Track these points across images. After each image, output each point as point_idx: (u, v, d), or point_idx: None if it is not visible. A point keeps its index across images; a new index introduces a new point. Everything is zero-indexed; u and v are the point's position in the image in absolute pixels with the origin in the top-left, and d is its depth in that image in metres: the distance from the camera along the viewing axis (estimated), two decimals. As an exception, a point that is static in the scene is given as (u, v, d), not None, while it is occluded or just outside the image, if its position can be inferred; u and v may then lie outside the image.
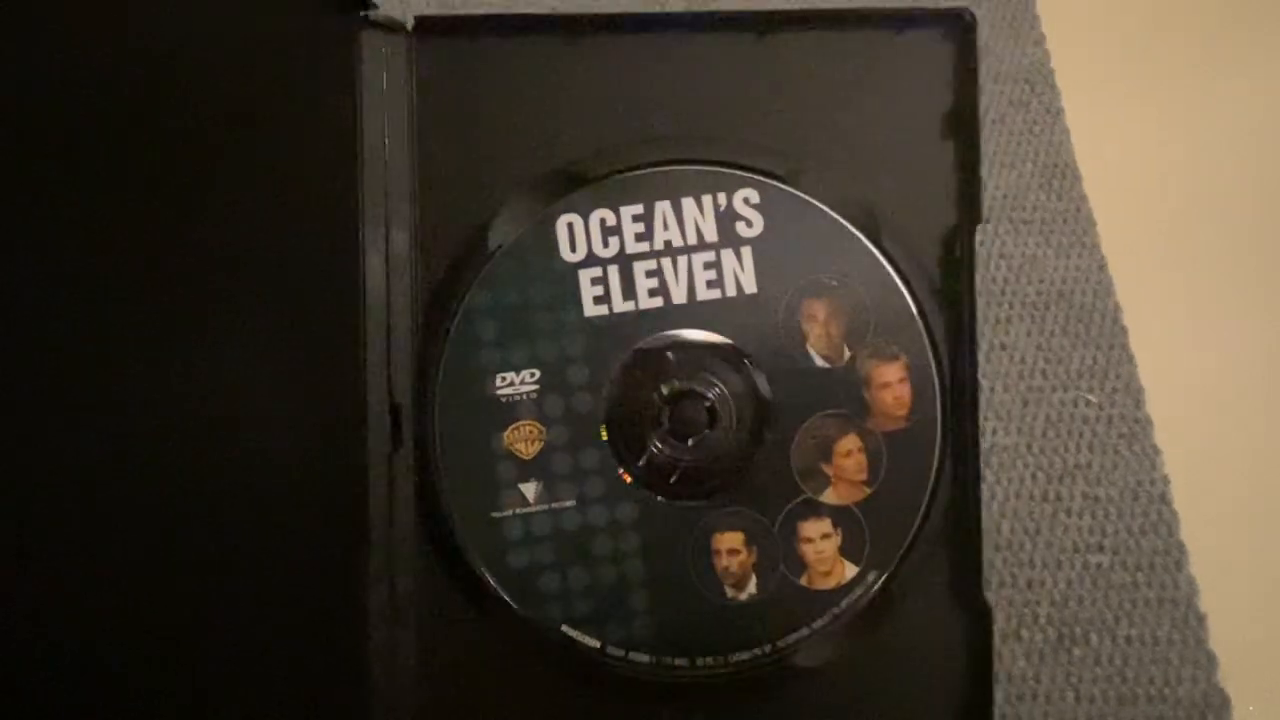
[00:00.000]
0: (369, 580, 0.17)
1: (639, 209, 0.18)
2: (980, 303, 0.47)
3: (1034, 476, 0.42)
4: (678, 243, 0.18)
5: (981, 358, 0.46)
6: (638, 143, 0.18)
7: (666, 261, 0.18)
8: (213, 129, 0.17)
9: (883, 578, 0.19)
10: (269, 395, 0.17)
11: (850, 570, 0.19)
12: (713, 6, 0.22)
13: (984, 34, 0.19)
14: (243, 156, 0.17)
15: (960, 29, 0.21)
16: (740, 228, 0.18)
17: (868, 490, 0.19)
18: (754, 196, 0.18)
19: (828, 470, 0.19)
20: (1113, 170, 0.53)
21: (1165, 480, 0.42)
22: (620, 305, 0.18)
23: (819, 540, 0.19)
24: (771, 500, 0.18)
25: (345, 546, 0.17)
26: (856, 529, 0.19)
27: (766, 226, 0.19)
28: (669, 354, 0.17)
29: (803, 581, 0.19)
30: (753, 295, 0.18)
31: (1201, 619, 0.38)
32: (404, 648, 0.18)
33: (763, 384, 0.18)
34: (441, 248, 0.18)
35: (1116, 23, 0.57)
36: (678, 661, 0.18)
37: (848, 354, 0.19)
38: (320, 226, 0.18)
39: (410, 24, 0.18)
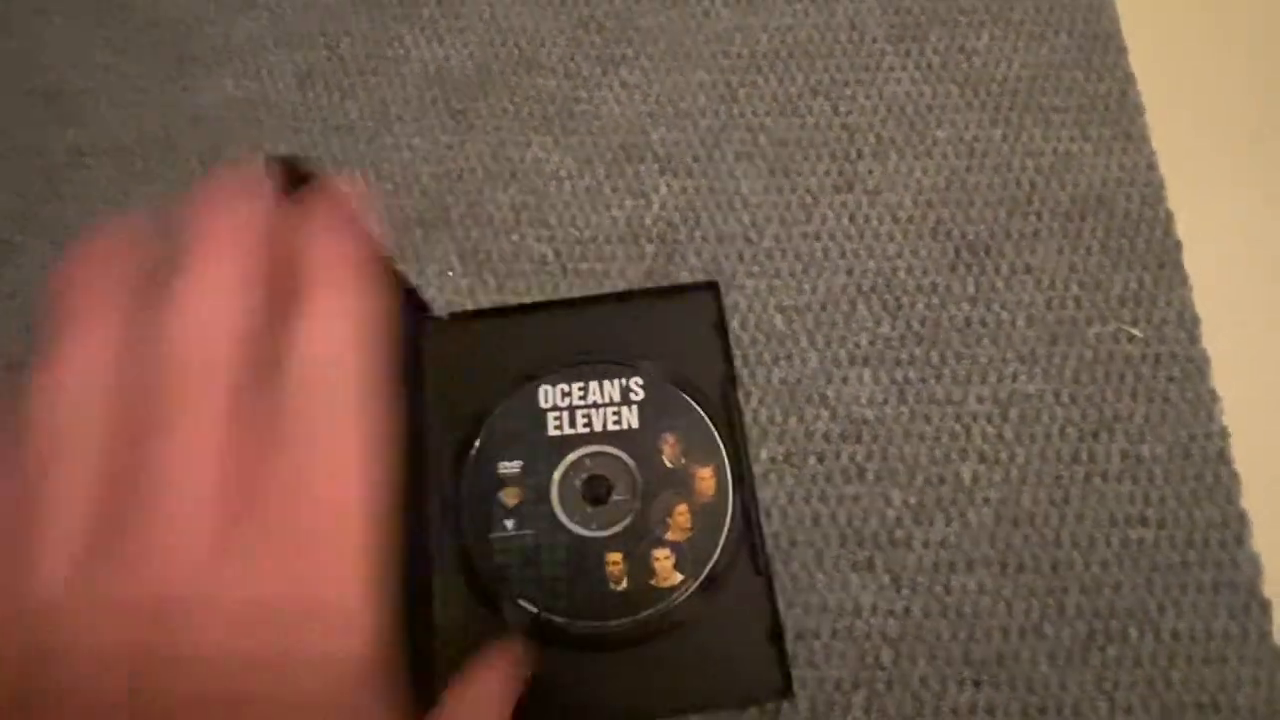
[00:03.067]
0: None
1: (581, 386, 0.35)
2: (1002, 212, 0.38)
3: (1063, 432, 0.34)
4: (600, 400, 0.34)
5: (1000, 283, 0.37)
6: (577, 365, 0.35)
7: (594, 411, 0.34)
8: None
9: (696, 581, 0.32)
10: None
11: (678, 576, 0.32)
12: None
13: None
14: None
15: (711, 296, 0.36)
16: (633, 395, 0.34)
17: (690, 533, 0.32)
18: (637, 390, 0.34)
19: (669, 522, 0.33)
20: (1167, 42, 0.42)
21: (1224, 434, 0.34)
22: (567, 430, 0.34)
23: (663, 560, 0.32)
24: (641, 536, 0.32)
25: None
26: (683, 554, 0.32)
27: (645, 398, 0.34)
28: (587, 460, 0.34)
29: (653, 582, 0.32)
30: (638, 429, 0.34)
31: (1266, 607, 0.31)
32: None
33: (638, 475, 0.33)
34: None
35: None
36: (586, 622, 0.32)
37: (683, 462, 0.33)
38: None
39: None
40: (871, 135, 0.39)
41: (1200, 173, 0.39)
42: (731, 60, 0.41)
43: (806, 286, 0.37)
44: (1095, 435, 0.34)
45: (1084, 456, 0.34)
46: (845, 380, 0.35)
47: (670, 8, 0.43)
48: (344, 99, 0.41)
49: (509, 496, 0.33)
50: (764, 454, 0.34)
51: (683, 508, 0.32)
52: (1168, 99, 0.41)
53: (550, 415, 0.34)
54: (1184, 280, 0.37)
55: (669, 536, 0.32)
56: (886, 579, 0.32)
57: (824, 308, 0.36)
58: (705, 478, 0.33)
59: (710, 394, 0.34)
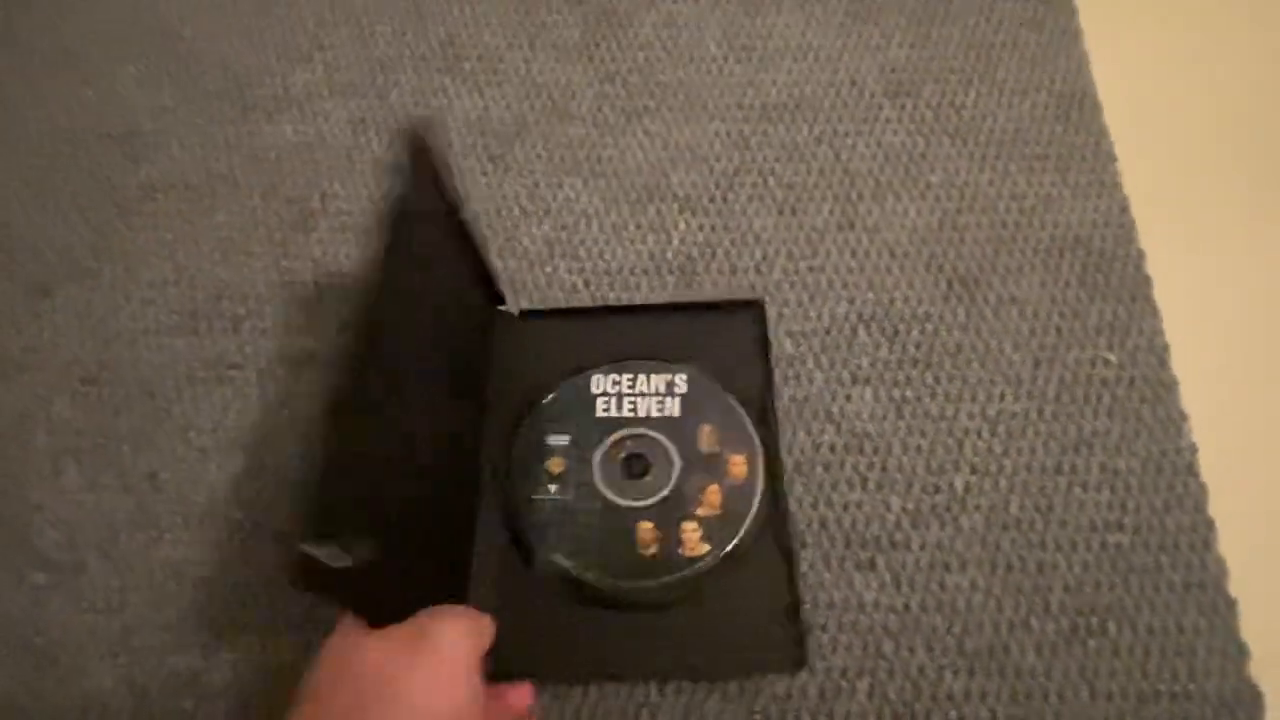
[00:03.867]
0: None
1: (630, 378, 0.38)
2: (989, 249, 0.42)
3: (1046, 446, 0.37)
4: (645, 390, 0.38)
5: (989, 312, 0.41)
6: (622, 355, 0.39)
7: (639, 399, 0.37)
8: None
9: (720, 553, 0.34)
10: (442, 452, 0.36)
11: (704, 548, 0.34)
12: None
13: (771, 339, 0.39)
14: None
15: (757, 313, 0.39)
16: (677, 388, 0.38)
17: (719, 511, 0.35)
18: (681, 384, 0.38)
19: (701, 499, 0.35)
20: (1137, 99, 0.47)
21: (1193, 449, 0.37)
22: (613, 412, 0.37)
23: (691, 532, 0.34)
24: (673, 511, 0.35)
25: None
26: (711, 528, 0.34)
27: (687, 393, 0.37)
28: (629, 440, 0.36)
29: (680, 551, 0.34)
30: (678, 418, 0.37)
31: (1232, 605, 0.34)
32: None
33: (676, 456, 0.36)
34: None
35: (1144, -70, 0.51)
36: (610, 580, 0.34)
37: (718, 448, 0.36)
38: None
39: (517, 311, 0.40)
40: (871, 179, 0.44)
41: (1168, 216, 0.43)
42: (744, 111, 0.46)
43: (813, 314, 0.40)
44: (1075, 449, 0.37)
45: (1065, 468, 0.37)
46: (849, 398, 0.39)
47: (688, 64, 0.47)
48: (393, 143, 0.45)
49: (554, 465, 0.36)
50: (775, 464, 0.37)
51: (714, 487, 0.34)
52: (1138, 150, 0.45)
53: (600, 399, 0.37)
54: (1154, 311, 0.41)
55: (699, 512, 0.34)
56: (887, 577, 0.35)
57: (829, 333, 0.40)
58: (738, 464, 0.35)
59: (748, 393, 0.36)
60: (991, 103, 0.46)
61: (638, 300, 0.41)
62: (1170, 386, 0.39)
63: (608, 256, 0.42)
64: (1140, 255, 0.42)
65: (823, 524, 0.36)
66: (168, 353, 0.40)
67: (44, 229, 0.44)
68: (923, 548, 0.36)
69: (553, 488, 0.35)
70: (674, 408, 0.37)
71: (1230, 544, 0.35)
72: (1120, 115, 0.46)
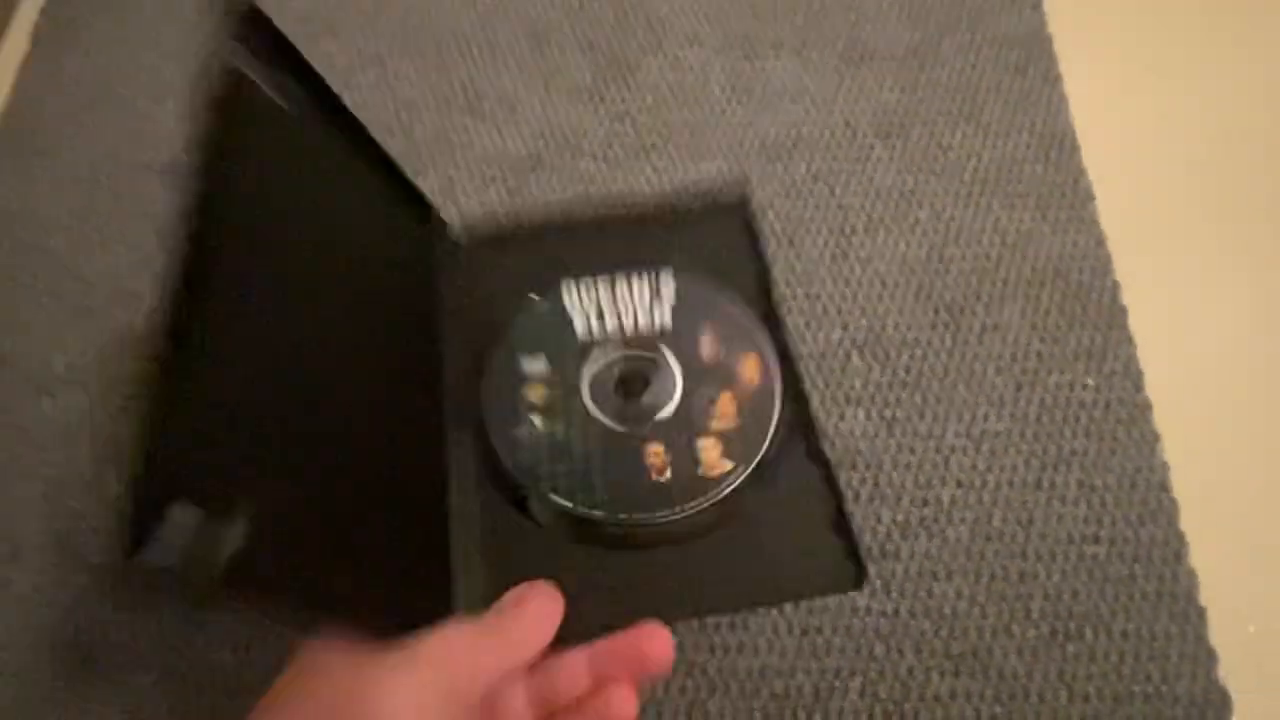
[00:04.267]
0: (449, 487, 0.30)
1: (608, 285, 0.33)
2: (974, 280, 0.45)
3: (1027, 463, 0.40)
4: (631, 302, 0.32)
5: (973, 338, 0.43)
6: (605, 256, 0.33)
7: (624, 312, 0.32)
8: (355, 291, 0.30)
9: (748, 468, 0.30)
10: (391, 399, 0.29)
11: (727, 464, 0.30)
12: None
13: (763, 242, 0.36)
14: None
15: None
16: (664, 295, 0.32)
17: (738, 420, 0.31)
18: (668, 288, 0.33)
19: (714, 410, 0.31)
20: (1113, 141, 0.50)
21: (1165, 467, 0.40)
22: (597, 332, 0.32)
23: (709, 449, 0.30)
24: (683, 428, 0.31)
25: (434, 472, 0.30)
26: (731, 442, 0.31)
27: (678, 301, 0.33)
28: (620, 360, 0.31)
29: (700, 471, 0.30)
30: (672, 328, 0.32)
31: (1202, 613, 0.37)
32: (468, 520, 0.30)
33: (676, 369, 0.31)
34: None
35: (1118, -15, 0.54)
36: (621, 516, 0.30)
37: (723, 353, 0.32)
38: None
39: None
40: (863, 214, 0.47)
41: (1142, 249, 0.46)
42: (745, 150, 0.49)
43: (809, 338, 0.43)
44: (1055, 467, 0.40)
45: (1045, 484, 0.40)
46: (842, 417, 0.41)
47: (693, 105, 0.50)
48: (416, 175, 0.48)
49: (534, 393, 0.31)
50: (773, 478, 0.40)
51: (727, 395, 0.31)
52: (1114, 188, 0.48)
53: (578, 316, 0.32)
54: (1129, 339, 0.43)
55: (715, 425, 0.30)
56: (878, 584, 0.37)
57: (824, 357, 0.43)
58: (749, 365, 0.32)
59: (745, 286, 0.32)
60: (976, 143, 0.49)
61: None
62: (1144, 409, 0.41)
63: (617, 284, 0.45)
64: (1116, 286, 0.45)
65: (818, 534, 0.39)
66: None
67: (88, 255, 0.47)
68: (912, 557, 0.38)
69: (537, 420, 0.31)
70: (664, 316, 0.32)
71: (1201, 556, 0.38)
72: (1097, 155, 0.49)
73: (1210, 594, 0.37)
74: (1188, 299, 0.45)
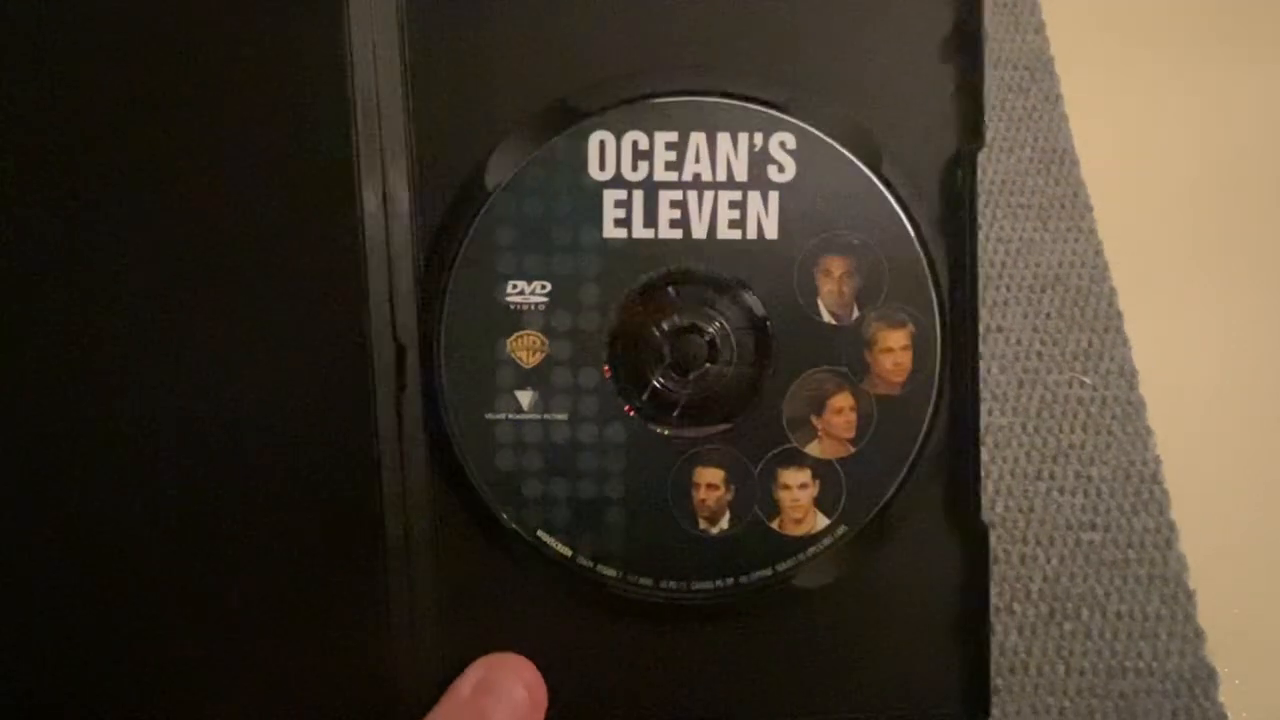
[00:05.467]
0: (383, 515, 0.19)
1: (673, 137, 0.18)
2: (979, 285, 0.48)
3: (1028, 455, 0.43)
4: (707, 177, 0.18)
5: (979, 340, 0.46)
6: (670, 67, 0.18)
7: (693, 194, 0.18)
8: (210, 65, 0.18)
9: (852, 533, 0.19)
10: (274, 348, 0.18)
11: (822, 521, 0.19)
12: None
13: (985, 19, 0.19)
14: (234, 96, 0.18)
15: None
16: (772, 171, 0.18)
17: (852, 449, 0.20)
18: (790, 142, 0.18)
19: (816, 424, 0.20)
20: (1110, 156, 0.53)
21: (1157, 460, 0.42)
22: (640, 231, 0.18)
23: (796, 489, 0.19)
24: (757, 443, 0.19)
25: (359, 484, 0.19)
26: (835, 483, 0.20)
27: (799, 174, 0.18)
28: (671, 289, 0.18)
29: (774, 525, 0.19)
30: (773, 241, 0.18)
31: (1190, 595, 0.39)
32: (417, 560, 0.19)
33: (767, 328, 0.19)
34: (442, 185, 0.18)
35: (1116, 10, 0.57)
36: (643, 580, 0.19)
37: (856, 313, 0.19)
38: (314, 170, 0.19)
39: None
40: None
41: (1138, 258, 0.49)
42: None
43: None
44: (1054, 459, 0.43)
45: (1045, 475, 0.42)
46: (854, 411, 0.44)
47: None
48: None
49: (523, 347, 0.18)
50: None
51: (844, 398, 0.19)
52: (1112, 200, 0.51)
53: (608, 195, 0.18)
54: (1124, 341, 0.46)
55: (812, 449, 0.19)
56: (888, 566, 0.40)
57: (837, 355, 0.45)
58: (895, 347, 0.19)
59: (926, 176, 0.19)
60: (981, 158, 0.52)
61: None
62: (1138, 406, 0.44)
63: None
64: (1113, 292, 0.48)
65: (831, 519, 0.41)
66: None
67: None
68: (919, 541, 0.41)
69: (524, 396, 0.18)
70: (766, 217, 0.18)
71: (1190, 543, 0.40)
72: (1096, 170, 0.52)
73: (1199, 578, 0.39)
74: (1181, 304, 0.48)
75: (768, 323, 0.19)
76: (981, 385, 0.42)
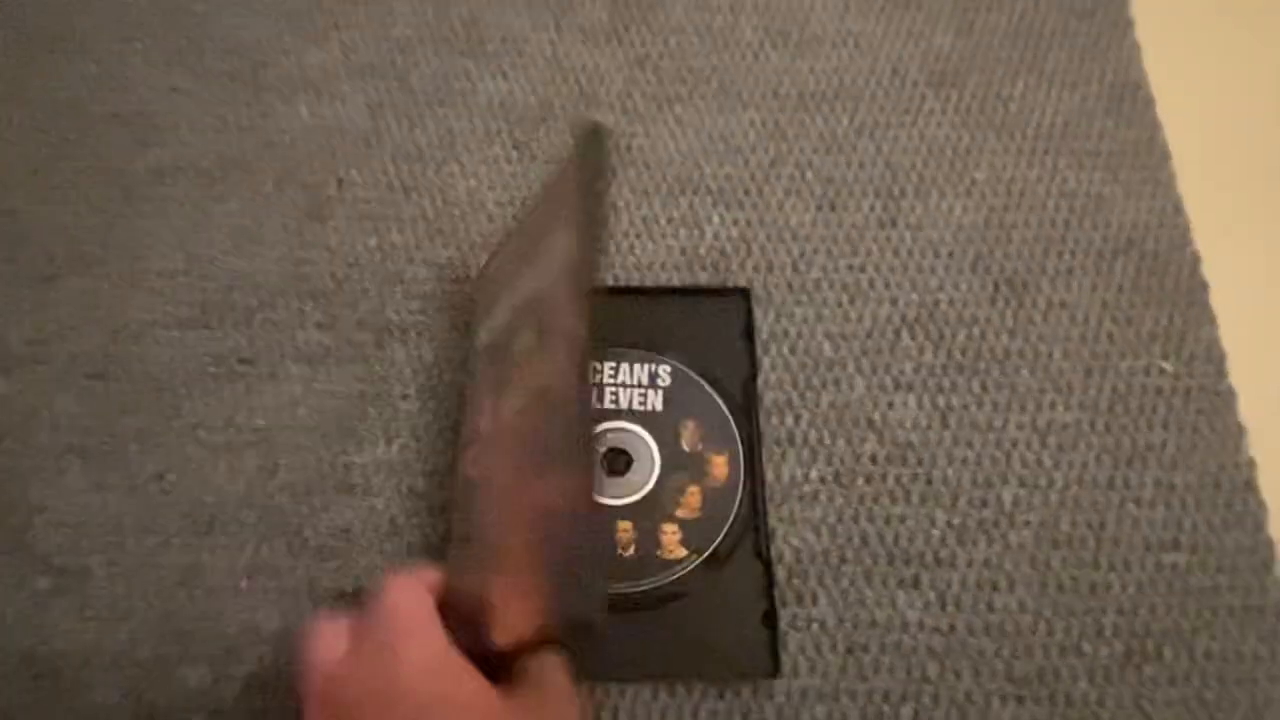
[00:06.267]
0: None
1: (611, 366, 0.37)
2: (1038, 250, 0.40)
3: (1099, 460, 0.36)
4: (628, 382, 0.36)
5: (1038, 316, 0.39)
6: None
7: (621, 390, 0.36)
8: None
9: (699, 558, 0.33)
10: None
11: (684, 552, 0.33)
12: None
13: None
14: None
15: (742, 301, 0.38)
16: (659, 383, 0.36)
17: (699, 514, 0.34)
18: (664, 376, 0.36)
19: (680, 500, 0.34)
20: (1192, 93, 0.45)
21: (1251, 464, 0.36)
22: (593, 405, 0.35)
23: (670, 534, 0.34)
24: (652, 511, 0.34)
25: None
26: (692, 532, 0.34)
27: (672, 387, 0.36)
28: (609, 434, 0.35)
29: (658, 553, 0.34)
30: (660, 413, 0.36)
31: (1294, 631, 0.33)
32: None
33: (657, 453, 0.35)
34: None
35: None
36: None
37: (700, 446, 0.35)
38: None
39: None
40: (914, 174, 0.42)
41: (1225, 217, 0.41)
42: (780, 100, 0.44)
43: (853, 315, 0.39)
44: (1129, 463, 0.36)
45: (1119, 483, 0.35)
46: (891, 405, 0.37)
47: (722, 50, 0.45)
48: (413, 128, 0.43)
49: None
50: (814, 474, 0.36)
51: (694, 489, 0.34)
52: (1193, 146, 0.43)
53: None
54: (1211, 318, 0.39)
55: (679, 514, 0.34)
56: (932, 596, 0.33)
57: (870, 336, 0.38)
58: (719, 464, 0.35)
59: (732, 389, 0.36)
60: (1040, 95, 0.44)
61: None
62: (1228, 397, 0.37)
63: (639, 251, 0.40)
64: (1196, 258, 0.40)
65: (864, 539, 0.35)
66: (176, 346, 0.38)
67: (49, 215, 0.42)
68: (969, 565, 0.34)
69: None
70: (656, 401, 0.36)
71: (1292, 566, 0.34)
72: (1174, 109, 0.44)
73: (1304, 609, 0.33)
74: (1277, 273, 0.40)
75: (655, 451, 0.35)
76: (1040, 378, 0.35)
